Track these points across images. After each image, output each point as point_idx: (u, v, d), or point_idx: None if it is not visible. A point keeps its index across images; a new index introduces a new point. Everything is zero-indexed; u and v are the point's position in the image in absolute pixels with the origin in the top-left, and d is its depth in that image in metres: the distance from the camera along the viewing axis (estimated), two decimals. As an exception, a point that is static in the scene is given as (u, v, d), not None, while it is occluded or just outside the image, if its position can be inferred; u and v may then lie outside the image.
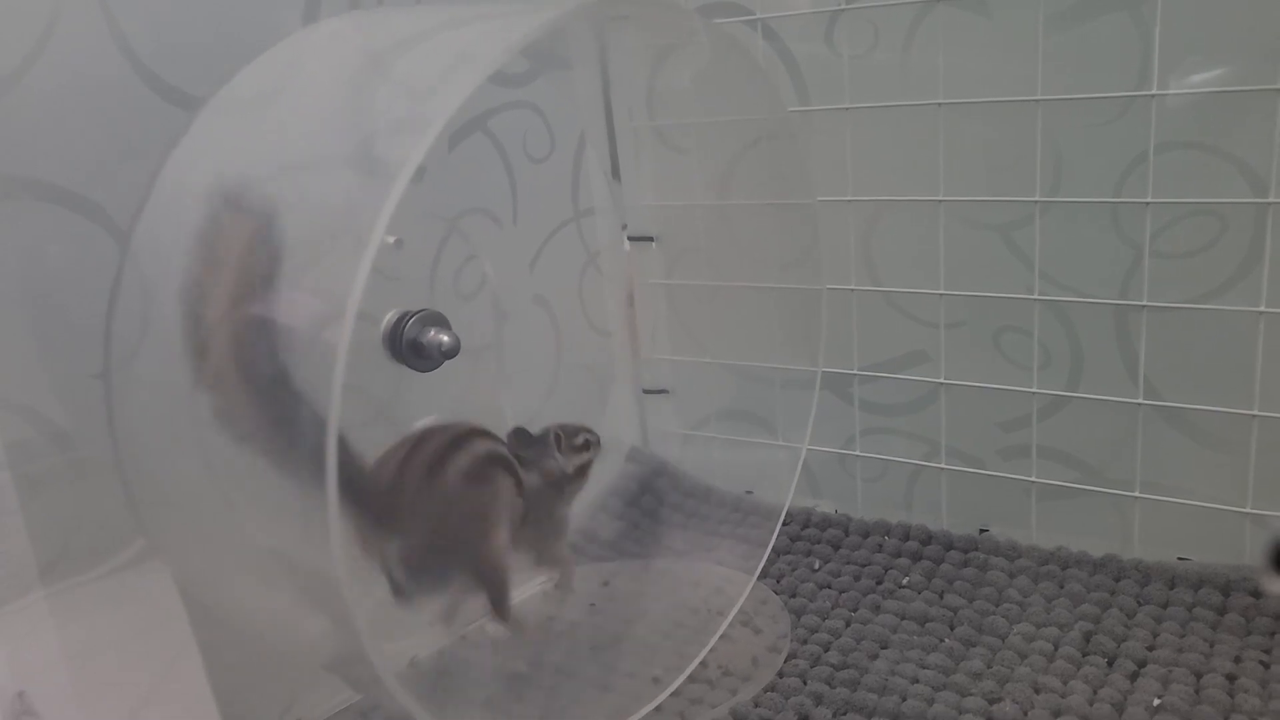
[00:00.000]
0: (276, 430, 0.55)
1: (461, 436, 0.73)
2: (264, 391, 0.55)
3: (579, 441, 0.80)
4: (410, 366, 0.71)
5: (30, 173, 0.59)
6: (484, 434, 0.75)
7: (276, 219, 0.53)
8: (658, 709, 0.73)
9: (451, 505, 0.72)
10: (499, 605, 0.73)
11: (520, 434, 0.79)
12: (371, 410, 0.80)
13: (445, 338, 0.69)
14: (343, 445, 0.53)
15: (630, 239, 1.07)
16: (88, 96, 0.61)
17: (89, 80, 0.61)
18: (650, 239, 1.06)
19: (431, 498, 0.71)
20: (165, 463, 0.61)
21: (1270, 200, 0.77)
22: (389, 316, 0.70)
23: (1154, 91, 0.78)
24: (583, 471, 0.80)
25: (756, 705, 0.73)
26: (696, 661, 0.78)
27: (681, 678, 0.76)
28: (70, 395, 0.63)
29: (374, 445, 0.81)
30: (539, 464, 0.78)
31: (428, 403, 0.85)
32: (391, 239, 0.77)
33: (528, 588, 0.92)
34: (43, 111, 0.59)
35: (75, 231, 0.62)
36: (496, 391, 0.92)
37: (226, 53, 0.61)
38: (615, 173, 1.05)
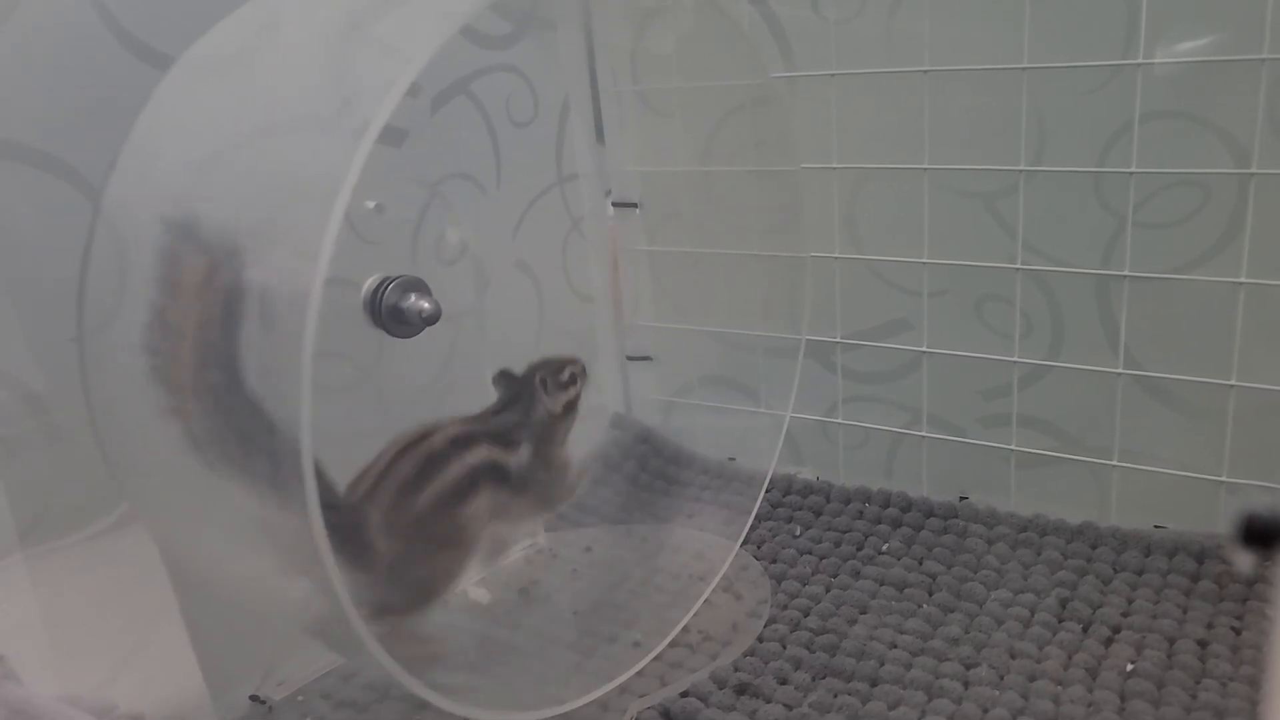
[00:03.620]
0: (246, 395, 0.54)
1: (438, 454, 0.72)
2: (238, 356, 0.54)
3: (564, 378, 0.80)
4: (390, 333, 0.70)
5: (1, 133, 0.58)
6: (465, 441, 0.74)
7: (236, 255, 0.52)
8: (639, 673, 0.74)
9: (425, 530, 0.72)
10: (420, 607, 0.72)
11: (505, 377, 0.79)
12: (353, 376, 0.80)
13: (426, 304, 0.69)
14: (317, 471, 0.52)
15: (614, 205, 1.06)
16: (60, 54, 0.60)
17: (61, 37, 0.60)
18: (634, 205, 1.06)
19: (402, 523, 0.71)
20: (143, 426, 0.61)
21: (1253, 171, 0.77)
22: (369, 282, 0.70)
23: (1140, 60, 0.78)
24: (571, 407, 0.80)
25: (736, 669, 0.74)
26: (679, 627, 0.78)
27: (664, 643, 0.77)
28: (45, 358, 0.62)
29: (353, 413, 0.82)
30: (527, 414, 0.78)
31: (410, 369, 0.85)
32: (372, 204, 0.76)
33: (510, 553, 0.92)
34: (13, 69, 0.58)
35: (46, 191, 0.61)
36: (478, 357, 0.91)
37: (199, 9, 0.60)
38: (599, 137, 1.04)
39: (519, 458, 0.77)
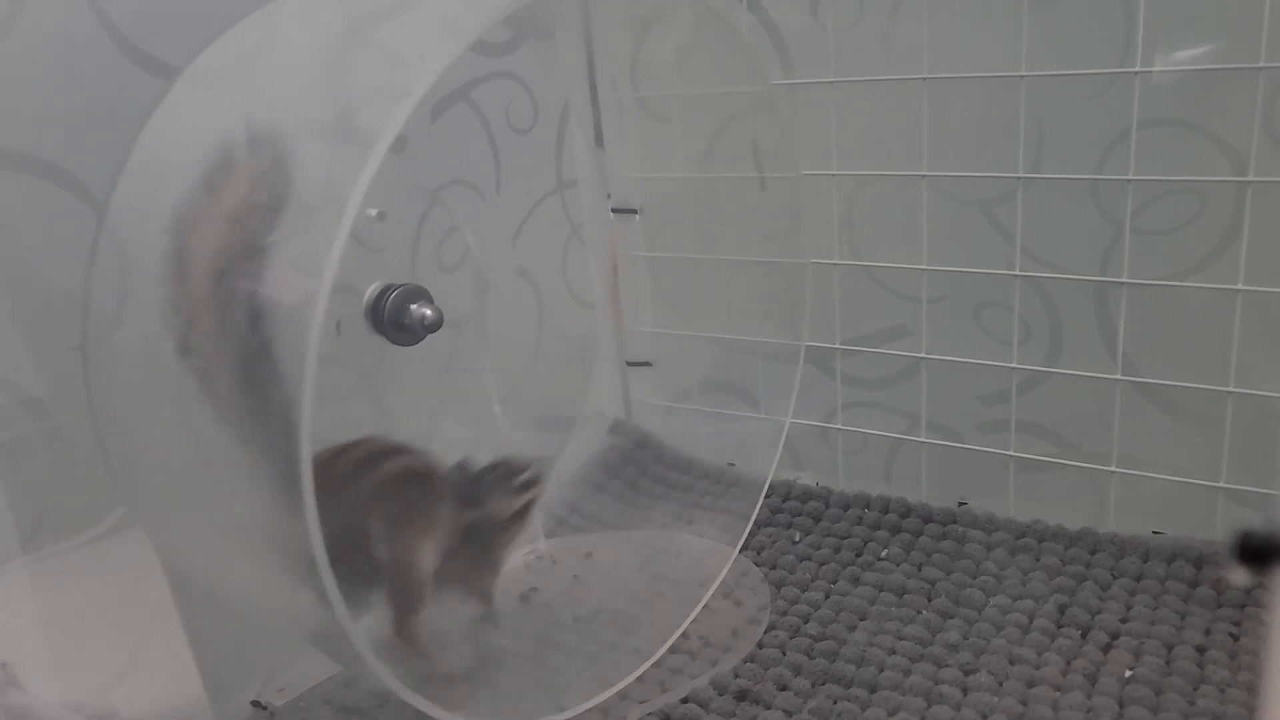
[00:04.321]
0: (250, 403, 0.55)
1: (382, 453, 0.71)
2: (243, 364, 0.54)
3: (518, 483, 0.76)
4: (392, 340, 0.71)
5: (4, 142, 0.59)
6: (409, 454, 0.72)
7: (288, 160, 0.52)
8: (639, 679, 0.74)
9: (361, 513, 0.69)
10: (400, 619, 0.70)
11: (463, 470, 0.76)
12: (354, 382, 0.80)
13: (428, 311, 0.69)
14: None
15: (614, 211, 1.06)
16: (63, 64, 0.60)
17: (64, 47, 0.60)
18: (634, 211, 1.06)
19: (340, 506, 0.68)
20: (146, 434, 0.61)
21: (1250, 179, 0.77)
22: (371, 289, 0.70)
23: (1137, 69, 0.78)
24: (522, 515, 0.77)
25: (736, 675, 0.74)
26: (678, 633, 0.78)
27: (664, 649, 0.77)
28: (48, 367, 0.62)
29: (354, 419, 0.82)
30: (480, 503, 0.75)
31: (410, 374, 0.85)
32: (374, 211, 0.76)
33: (510, 559, 0.92)
34: (17, 80, 0.58)
35: (49, 200, 0.61)
36: (479, 363, 0.92)
37: (202, 19, 0.60)
38: (599, 143, 1.04)
39: (466, 515, 0.74)
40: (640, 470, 1.06)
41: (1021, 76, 0.83)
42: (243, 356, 0.54)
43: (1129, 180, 0.81)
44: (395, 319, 0.70)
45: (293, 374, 0.49)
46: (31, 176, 0.60)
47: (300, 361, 0.46)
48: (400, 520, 0.71)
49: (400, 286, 0.70)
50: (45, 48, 0.59)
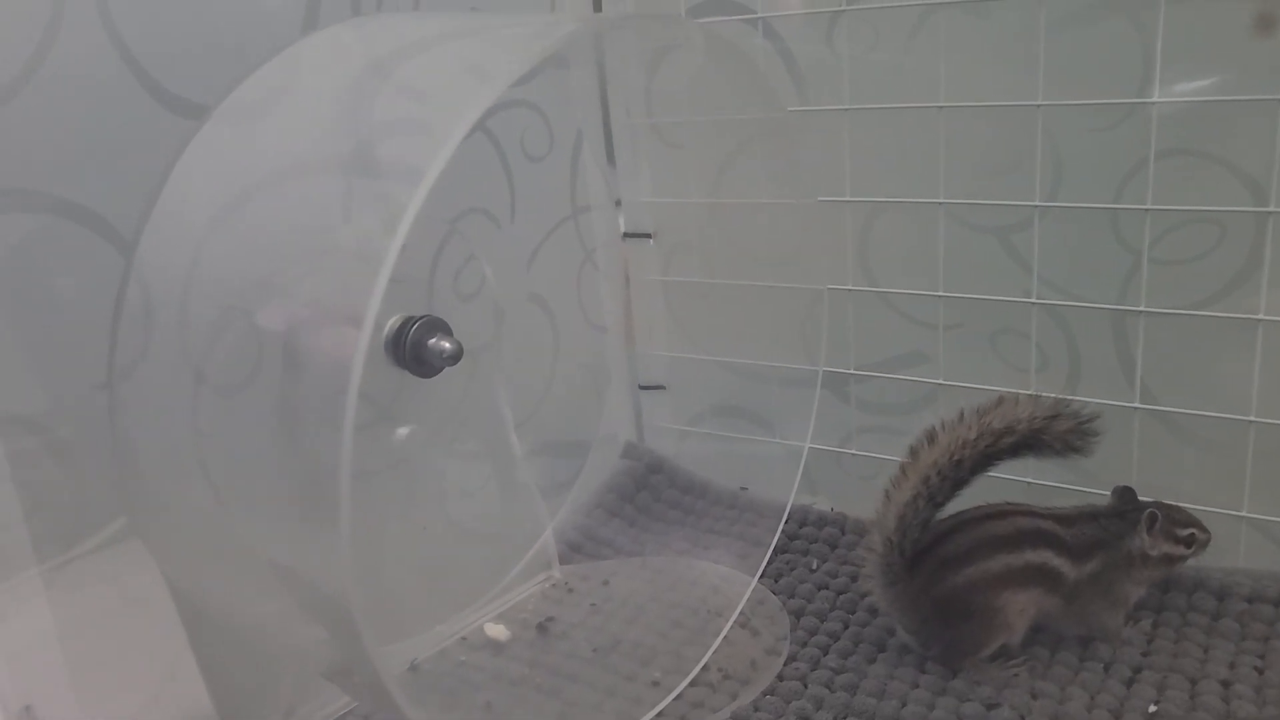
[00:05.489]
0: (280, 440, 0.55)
1: (999, 539, 0.75)
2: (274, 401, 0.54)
3: (1180, 533, 0.77)
4: (412, 372, 0.71)
5: (29, 184, 0.59)
6: (1034, 539, 0.75)
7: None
8: (660, 713, 0.74)
9: (957, 602, 0.74)
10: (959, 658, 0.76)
11: (1125, 493, 0.79)
12: (372, 414, 0.80)
13: (448, 344, 0.69)
14: None
15: (627, 235, 1.06)
16: (89, 105, 0.60)
17: (90, 89, 0.60)
18: (648, 235, 1.06)
19: (933, 592, 0.75)
20: (164, 473, 0.61)
21: (1270, 209, 0.77)
22: (391, 322, 0.70)
23: (1155, 99, 0.78)
24: (1166, 562, 0.77)
25: (757, 709, 0.74)
26: (699, 666, 0.78)
27: (685, 683, 0.76)
28: (71, 408, 0.62)
29: (374, 446, 0.82)
30: (1116, 538, 0.76)
31: (427, 404, 0.85)
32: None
33: (526, 587, 0.92)
34: (43, 121, 0.58)
35: (75, 243, 0.61)
36: (495, 391, 0.92)
37: (228, 59, 0.60)
38: (612, 167, 1.04)
39: (1080, 572, 0.75)
40: (654, 495, 1.06)
41: (1039, 106, 0.83)
42: (272, 394, 0.54)
43: (1147, 210, 0.81)
44: (415, 352, 0.69)
45: (327, 413, 0.49)
46: (56, 216, 0.60)
47: (339, 411, 0.45)
48: (1009, 602, 0.74)
49: (421, 319, 0.70)
50: (69, 89, 0.59)
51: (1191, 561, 0.80)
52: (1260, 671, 0.72)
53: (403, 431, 0.71)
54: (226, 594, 0.65)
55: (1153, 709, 0.70)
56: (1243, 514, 0.82)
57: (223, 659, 0.70)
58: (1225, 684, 0.71)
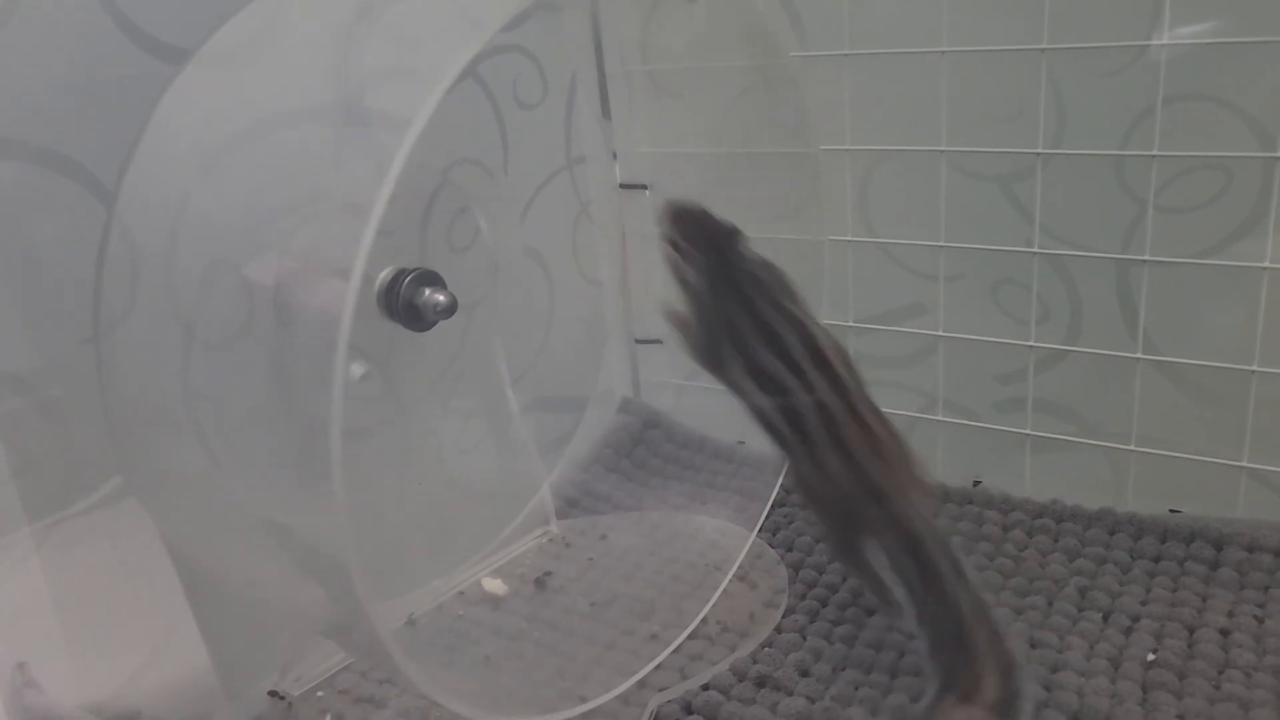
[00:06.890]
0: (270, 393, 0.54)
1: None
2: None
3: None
4: (405, 326, 0.69)
5: (6, 132, 0.57)
6: None
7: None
8: (658, 666, 0.74)
9: None
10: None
11: None
12: (366, 367, 0.79)
13: (441, 297, 0.68)
14: None
15: (623, 186, 1.05)
16: (64, 49, 0.58)
17: (65, 32, 0.58)
18: (644, 187, 1.04)
19: None
20: (156, 430, 0.60)
21: (1278, 155, 0.75)
22: (383, 275, 0.68)
23: (1164, 41, 0.77)
24: None
25: (755, 661, 0.74)
26: (698, 619, 0.78)
27: (683, 636, 0.76)
28: (59, 360, 0.61)
29: (366, 402, 0.81)
30: None
31: (421, 359, 0.84)
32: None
33: (523, 542, 0.92)
34: (18, 67, 0.56)
35: (55, 191, 0.59)
36: (490, 346, 0.90)
37: (208, 3, 0.58)
38: (607, 118, 1.02)
39: None
40: (651, 449, 1.05)
41: (1043, 50, 0.81)
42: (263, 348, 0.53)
43: (1153, 156, 0.79)
44: (409, 305, 0.68)
45: (317, 368, 0.48)
46: (35, 166, 0.58)
47: (330, 366, 0.44)
48: None
49: (413, 271, 0.68)
50: (46, 34, 0.57)
51: (1190, 511, 0.78)
52: (1260, 620, 0.72)
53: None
54: (223, 552, 0.65)
55: (1151, 657, 0.70)
56: (1243, 464, 0.81)
57: (220, 616, 0.70)
58: (1224, 632, 0.71)
